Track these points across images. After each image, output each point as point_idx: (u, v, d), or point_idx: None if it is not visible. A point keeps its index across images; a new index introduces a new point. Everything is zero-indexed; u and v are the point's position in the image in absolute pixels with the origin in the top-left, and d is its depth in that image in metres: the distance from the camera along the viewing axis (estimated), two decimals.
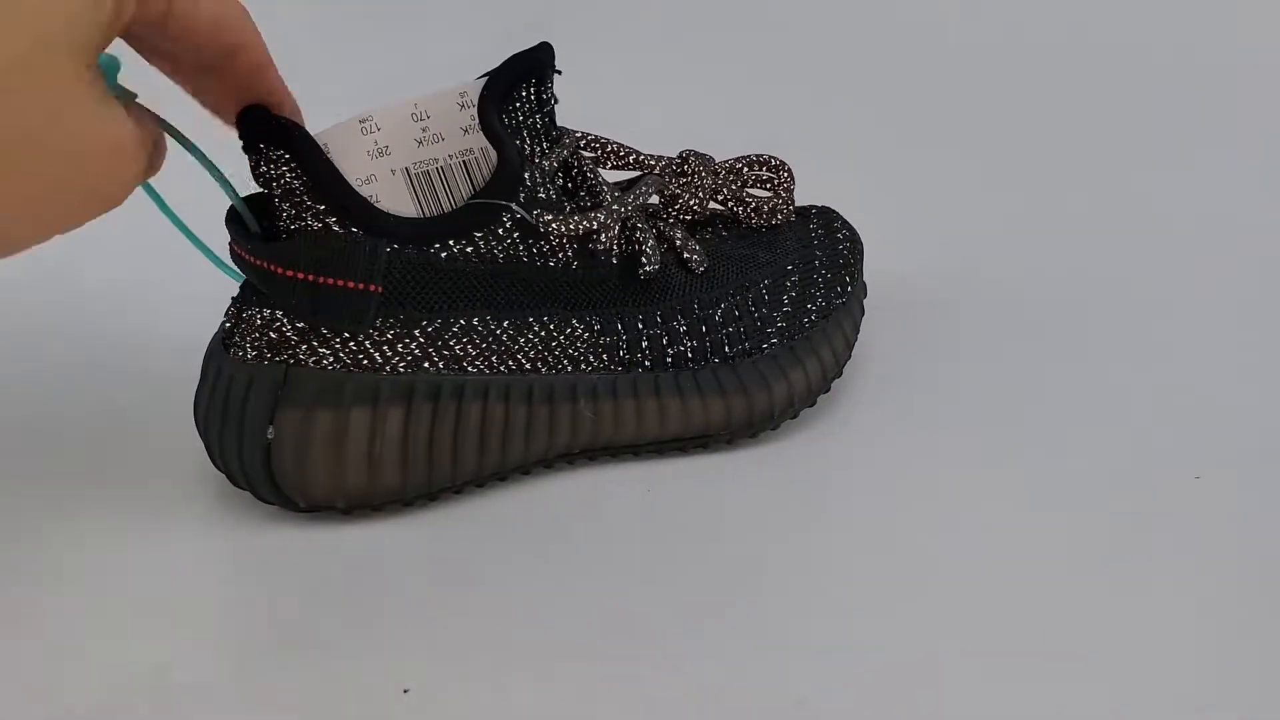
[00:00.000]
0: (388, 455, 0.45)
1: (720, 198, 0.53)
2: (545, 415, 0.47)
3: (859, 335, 0.54)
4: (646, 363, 0.49)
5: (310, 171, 0.44)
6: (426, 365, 0.45)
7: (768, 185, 0.54)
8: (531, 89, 0.47)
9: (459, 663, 0.40)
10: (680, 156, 0.53)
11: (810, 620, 0.42)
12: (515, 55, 0.47)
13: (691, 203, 0.52)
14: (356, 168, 0.46)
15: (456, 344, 0.46)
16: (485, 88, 0.46)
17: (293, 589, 0.44)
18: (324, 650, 0.41)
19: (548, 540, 0.46)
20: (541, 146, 0.47)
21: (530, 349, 0.47)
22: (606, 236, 0.47)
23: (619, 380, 0.48)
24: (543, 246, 0.46)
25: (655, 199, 0.52)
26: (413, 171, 0.47)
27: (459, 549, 0.46)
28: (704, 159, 0.53)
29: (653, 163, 0.52)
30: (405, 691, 0.39)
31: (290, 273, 0.44)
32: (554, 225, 0.46)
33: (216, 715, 0.39)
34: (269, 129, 0.44)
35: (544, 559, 0.45)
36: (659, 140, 0.55)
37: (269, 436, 0.45)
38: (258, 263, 0.44)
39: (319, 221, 0.44)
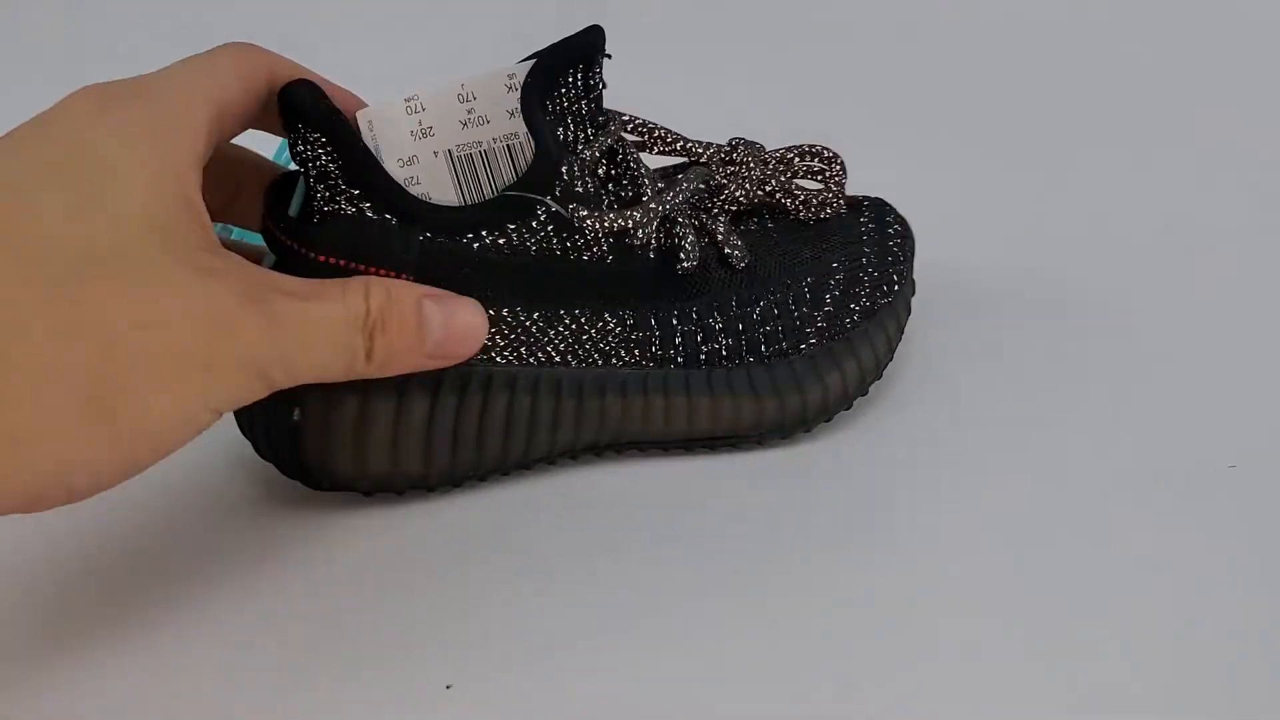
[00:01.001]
0: (411, 443, 0.45)
1: (768, 188, 0.51)
2: (572, 409, 0.47)
3: (903, 335, 0.53)
4: (679, 359, 0.48)
5: (345, 155, 0.43)
6: None
7: (818, 177, 0.53)
8: (578, 74, 0.46)
9: (490, 656, 0.41)
10: (729, 144, 0.52)
11: (826, 624, 0.42)
12: (564, 40, 0.46)
13: (738, 194, 0.51)
14: (399, 148, 0.46)
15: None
16: (530, 73, 0.45)
17: (319, 581, 0.44)
18: (355, 645, 0.41)
19: (568, 533, 0.46)
20: (586, 133, 0.46)
21: (560, 342, 0.46)
22: (643, 233, 0.46)
23: (650, 376, 0.48)
24: (577, 241, 0.46)
25: (701, 188, 0.51)
26: (455, 154, 0.46)
27: (483, 538, 0.46)
28: (753, 148, 0.52)
29: (699, 150, 0.51)
30: (448, 688, 0.39)
31: (321, 257, 0.43)
32: (589, 221, 0.45)
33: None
34: (307, 109, 0.43)
35: (565, 552, 0.45)
36: (710, 126, 0.54)
37: (295, 418, 0.45)
38: (288, 243, 0.44)
39: (352, 206, 0.43)
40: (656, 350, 0.48)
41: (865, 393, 0.51)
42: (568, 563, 0.45)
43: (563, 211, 0.45)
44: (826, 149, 0.53)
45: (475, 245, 0.44)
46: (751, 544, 0.45)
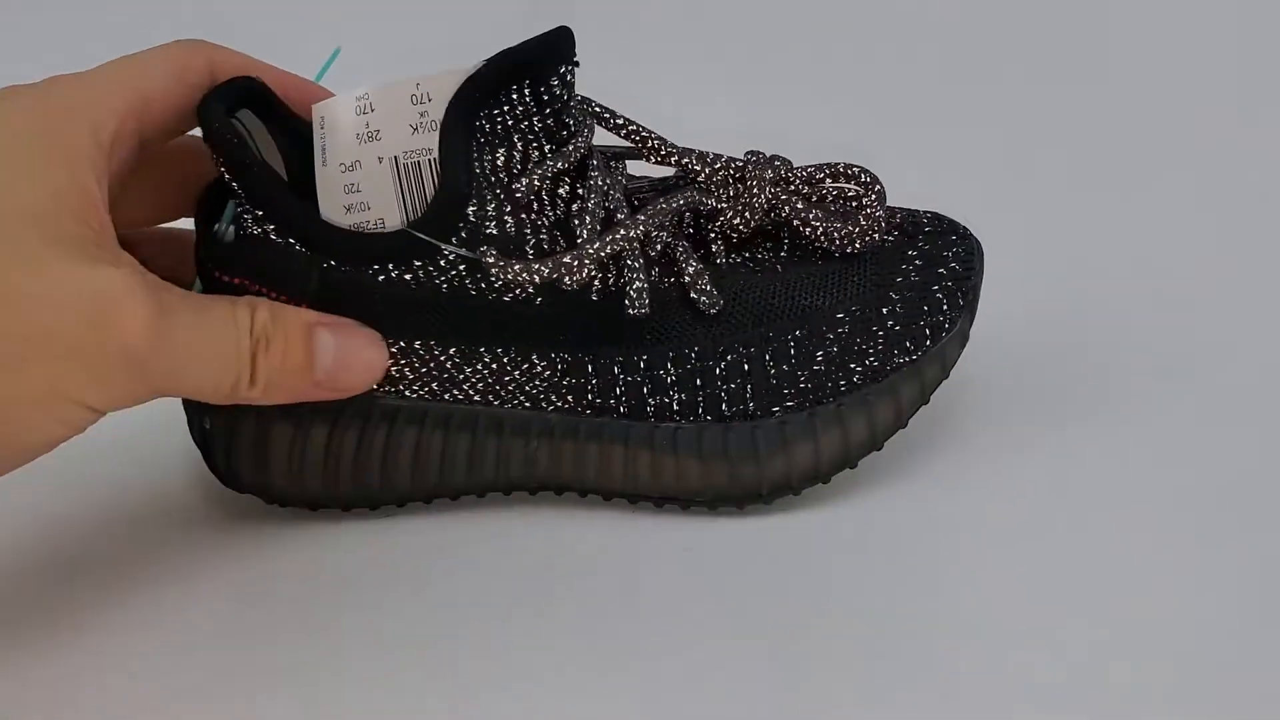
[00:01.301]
0: (310, 469, 0.43)
1: (784, 213, 0.44)
2: (492, 448, 0.44)
3: (929, 400, 0.46)
4: (621, 409, 0.43)
5: (244, 178, 0.40)
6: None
7: (851, 203, 0.46)
8: (526, 88, 0.41)
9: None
10: (743, 159, 0.45)
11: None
12: (517, 46, 0.41)
13: (735, 220, 0.44)
14: (342, 151, 0.42)
15: (394, 366, 0.42)
16: (462, 87, 0.41)
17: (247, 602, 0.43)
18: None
19: (477, 574, 0.43)
20: (541, 151, 0.42)
21: (478, 381, 0.43)
22: (571, 280, 0.41)
23: (583, 423, 0.43)
24: (493, 282, 0.41)
25: (682, 214, 0.45)
26: (401, 161, 0.42)
27: (387, 569, 0.43)
28: (770, 165, 0.45)
29: (697, 168, 0.45)
30: None
31: (225, 277, 0.41)
32: (494, 271, 0.41)
33: None
34: (205, 126, 0.41)
35: (480, 594, 0.42)
36: (740, 132, 0.47)
37: (205, 427, 0.43)
38: (202, 261, 0.42)
39: (259, 227, 0.41)
40: (594, 398, 0.43)
41: (853, 466, 0.45)
42: (480, 604, 0.42)
43: (468, 255, 0.41)
44: (865, 171, 0.46)
45: (380, 278, 0.41)
46: (652, 613, 0.41)
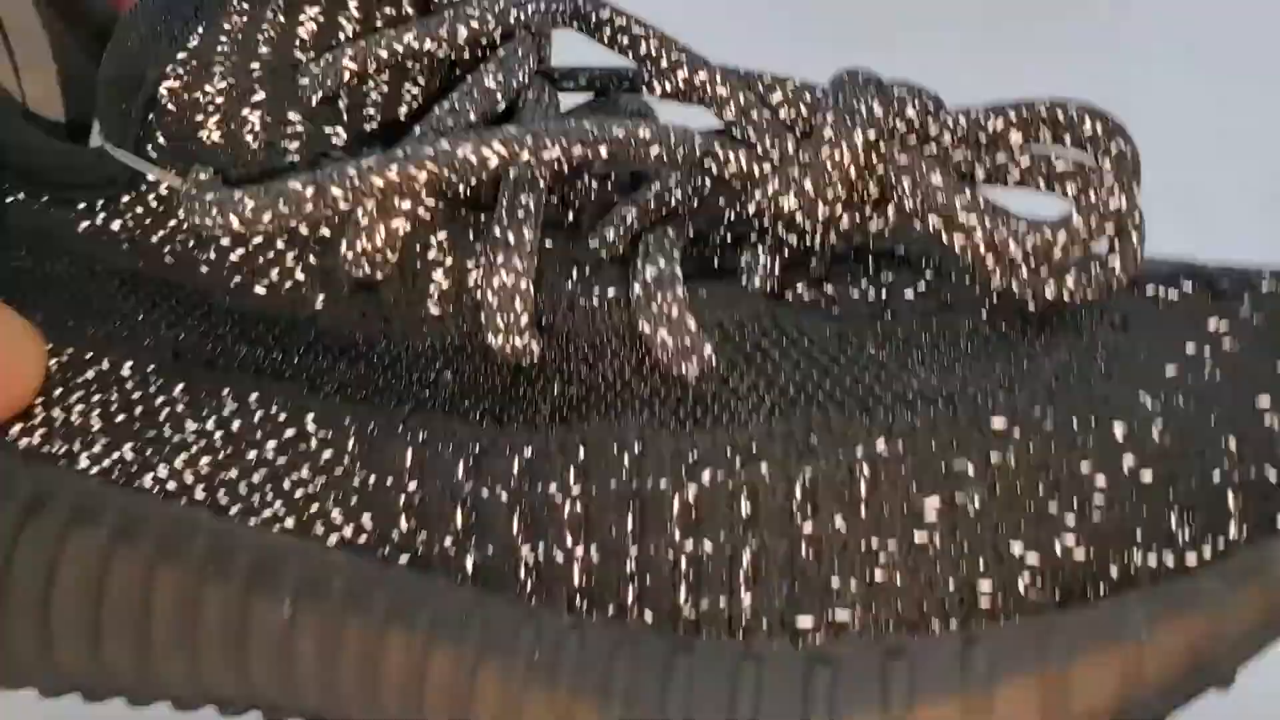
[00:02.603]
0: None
1: (894, 184, 0.21)
2: (218, 612, 0.22)
3: None
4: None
5: None
6: (31, 432, 0.23)
7: (1069, 189, 0.21)
8: None
9: None
10: (832, 85, 0.22)
11: None
12: None
13: (781, 202, 0.21)
14: None
15: (79, 405, 0.23)
16: None
17: None
18: None
19: None
20: (398, 9, 0.23)
21: (205, 452, 0.22)
22: (305, 224, 0.21)
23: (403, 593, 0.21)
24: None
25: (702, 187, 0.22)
26: None
27: None
28: (863, 94, 0.22)
29: (723, 92, 0.22)
30: None
31: None
32: (186, 207, 0.22)
33: None
34: None
35: None
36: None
37: None
38: None
39: None
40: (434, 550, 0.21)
41: None
42: None
43: (167, 177, 0.22)
44: (1097, 115, 0.21)
45: (81, 226, 0.23)
46: None
